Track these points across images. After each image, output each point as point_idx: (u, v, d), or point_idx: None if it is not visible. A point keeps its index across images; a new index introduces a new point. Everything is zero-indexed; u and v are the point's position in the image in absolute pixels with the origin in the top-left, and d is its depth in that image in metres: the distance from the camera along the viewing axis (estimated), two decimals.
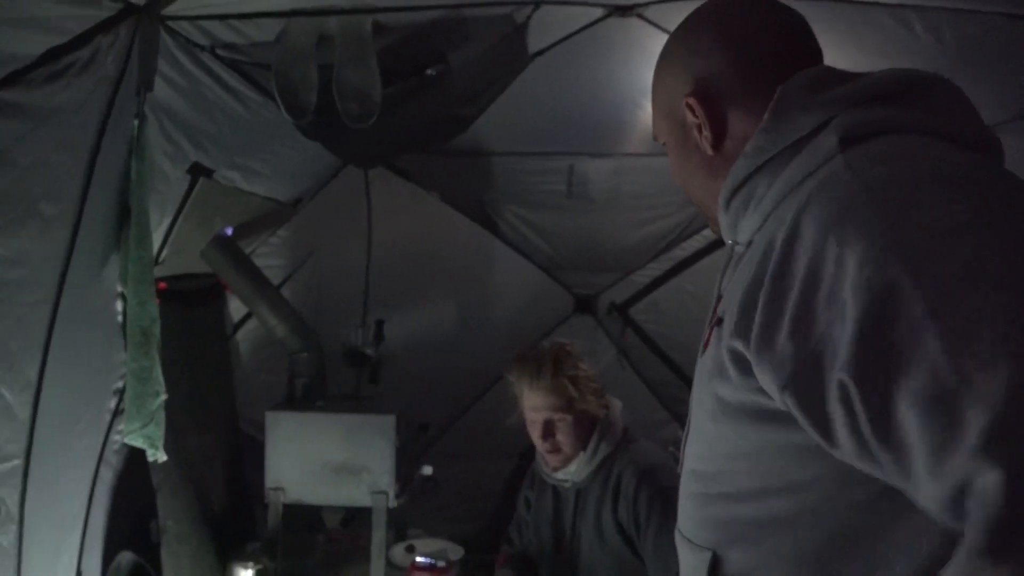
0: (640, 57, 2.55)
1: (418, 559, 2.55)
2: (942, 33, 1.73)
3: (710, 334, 0.95)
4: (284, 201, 2.75)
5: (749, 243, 0.94)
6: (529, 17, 2.18)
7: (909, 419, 0.68)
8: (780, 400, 0.79)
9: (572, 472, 2.10)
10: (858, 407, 0.71)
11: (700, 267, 3.43)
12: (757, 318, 0.79)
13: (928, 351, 0.67)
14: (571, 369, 2.05)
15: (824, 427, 0.74)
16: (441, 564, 2.53)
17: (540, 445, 2.11)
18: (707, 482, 0.97)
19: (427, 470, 2.68)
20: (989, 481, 0.64)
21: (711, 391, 0.91)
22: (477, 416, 3.55)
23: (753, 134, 0.91)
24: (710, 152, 0.99)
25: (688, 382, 3.32)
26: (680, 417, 3.54)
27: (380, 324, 3.02)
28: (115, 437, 2.04)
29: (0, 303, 1.39)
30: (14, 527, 1.53)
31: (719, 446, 0.94)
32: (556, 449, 2.09)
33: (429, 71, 2.08)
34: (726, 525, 0.94)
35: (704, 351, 0.97)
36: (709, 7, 1.03)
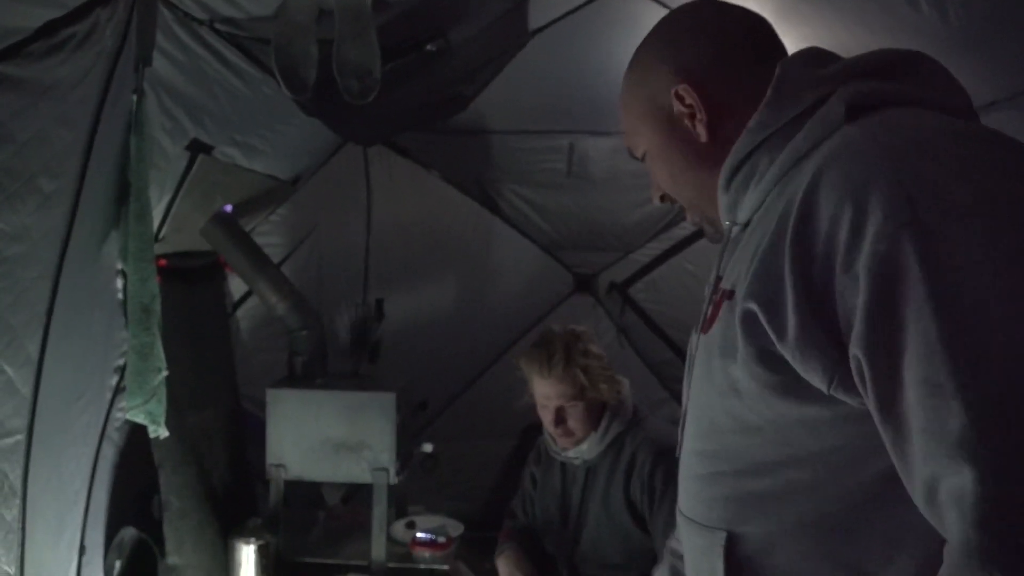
0: (641, 34, 2.53)
1: (419, 535, 2.58)
2: (946, 10, 1.72)
3: (716, 310, 0.94)
4: (283, 179, 2.74)
5: (747, 224, 0.95)
6: None
7: (908, 401, 0.69)
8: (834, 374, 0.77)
9: (583, 451, 2.14)
10: (868, 383, 0.73)
11: (699, 246, 3.42)
12: (786, 288, 0.78)
13: (929, 338, 0.68)
14: (582, 358, 2.07)
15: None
16: (441, 540, 2.55)
17: (552, 429, 2.14)
18: (714, 460, 0.96)
19: (427, 447, 2.70)
20: (959, 481, 0.65)
21: (721, 367, 0.90)
22: (477, 394, 3.57)
23: (748, 114, 0.92)
24: (704, 139, 0.98)
25: None
26: (679, 396, 3.53)
27: (380, 303, 3.02)
28: (117, 414, 2.05)
29: (0, 279, 1.39)
30: (17, 502, 1.54)
31: (728, 422, 0.92)
32: (567, 433, 2.12)
33: (429, 47, 2.06)
34: (739, 501, 0.92)
35: (707, 328, 0.95)
36: (676, 13, 1.06)
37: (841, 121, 0.83)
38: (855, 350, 0.73)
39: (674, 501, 1.93)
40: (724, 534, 0.93)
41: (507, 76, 2.43)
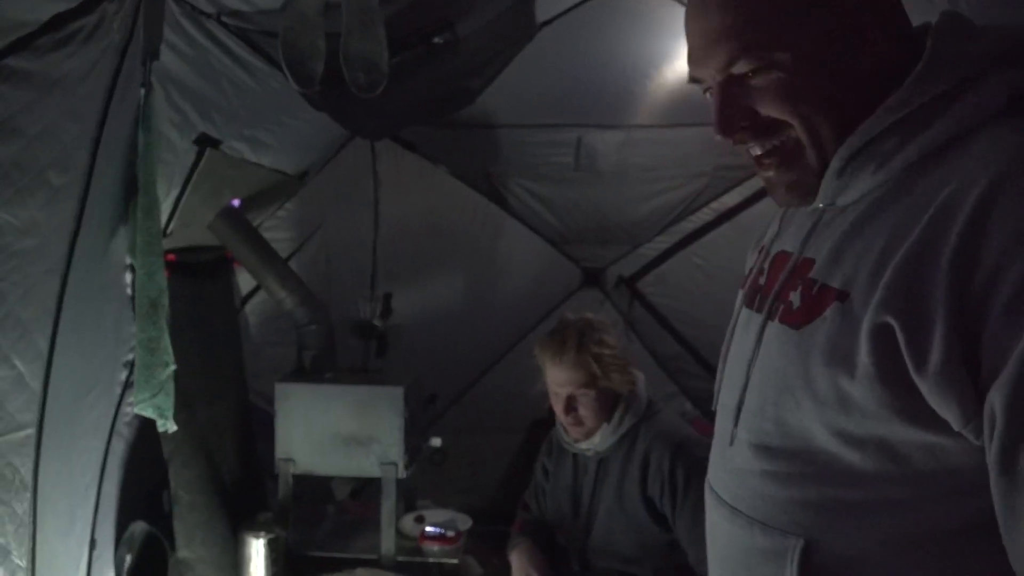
0: (648, 27, 2.53)
1: (427, 529, 2.58)
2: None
3: (814, 305, 0.83)
4: (291, 173, 2.74)
5: (838, 205, 0.85)
6: None
7: None
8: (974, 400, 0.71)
9: (595, 442, 2.12)
10: (998, 431, 0.70)
11: (708, 240, 3.42)
12: (937, 313, 0.70)
13: None
14: (595, 346, 2.05)
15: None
16: (450, 534, 2.56)
17: (563, 418, 2.12)
18: (792, 461, 0.86)
19: (436, 441, 2.70)
20: None
21: (828, 377, 0.80)
22: (485, 389, 3.57)
23: (884, 75, 0.81)
24: (866, 69, 0.82)
25: (695, 355, 3.30)
26: (688, 390, 3.55)
27: (388, 297, 3.02)
28: (126, 409, 2.06)
29: (11, 272, 1.39)
30: (28, 495, 1.55)
31: (822, 431, 0.82)
32: (578, 422, 2.10)
33: (436, 40, 2.05)
34: (823, 509, 0.84)
35: (798, 321, 0.84)
36: None
37: (999, 111, 0.76)
38: (995, 395, 0.69)
39: (696, 500, 1.91)
40: (801, 541, 0.84)
41: (515, 69, 2.42)
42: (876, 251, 0.77)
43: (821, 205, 0.88)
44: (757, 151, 0.88)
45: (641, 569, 2.07)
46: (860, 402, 0.78)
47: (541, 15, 2.34)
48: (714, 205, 3.37)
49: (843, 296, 0.79)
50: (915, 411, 0.75)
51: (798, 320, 0.84)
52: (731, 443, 0.94)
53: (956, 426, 0.73)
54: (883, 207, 0.80)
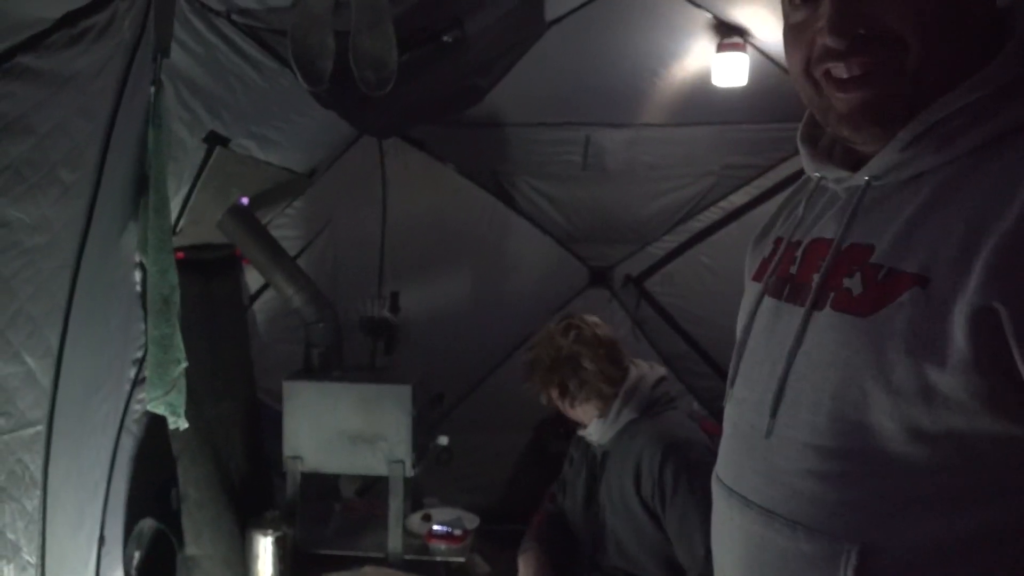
0: (657, 25, 2.52)
1: (435, 527, 2.58)
2: None
3: (883, 292, 0.79)
4: (299, 171, 2.75)
5: (887, 183, 0.83)
6: None
7: None
8: None
9: (593, 434, 2.12)
10: None
11: (716, 239, 3.41)
12: None
13: None
14: (569, 374, 2.05)
15: None
16: (457, 532, 2.56)
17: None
18: (846, 460, 0.81)
19: (443, 440, 2.70)
20: None
21: (910, 366, 0.76)
22: (492, 387, 3.57)
23: (967, 48, 0.79)
24: (974, 26, 0.79)
25: (703, 355, 3.28)
26: (695, 390, 3.54)
27: (395, 295, 3.02)
28: (135, 406, 2.06)
29: (22, 269, 1.40)
30: (38, 492, 1.55)
31: (891, 425, 0.78)
32: (578, 420, 2.13)
33: (445, 38, 2.05)
34: (881, 509, 0.79)
35: (861, 310, 0.80)
36: None
37: None
38: None
39: (685, 501, 1.89)
40: (856, 546, 0.79)
41: (523, 68, 2.41)
42: (959, 234, 0.74)
43: (867, 178, 0.84)
44: (849, 72, 0.82)
45: (646, 570, 2.05)
46: (948, 392, 0.74)
47: (550, 13, 2.33)
48: (722, 204, 3.36)
49: (922, 281, 0.75)
50: (1009, 402, 0.73)
51: (865, 308, 0.80)
52: (766, 437, 0.88)
53: None
54: (955, 188, 0.77)
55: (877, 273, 0.80)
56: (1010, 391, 0.72)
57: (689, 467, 1.92)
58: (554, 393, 2.09)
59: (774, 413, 0.88)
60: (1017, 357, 0.71)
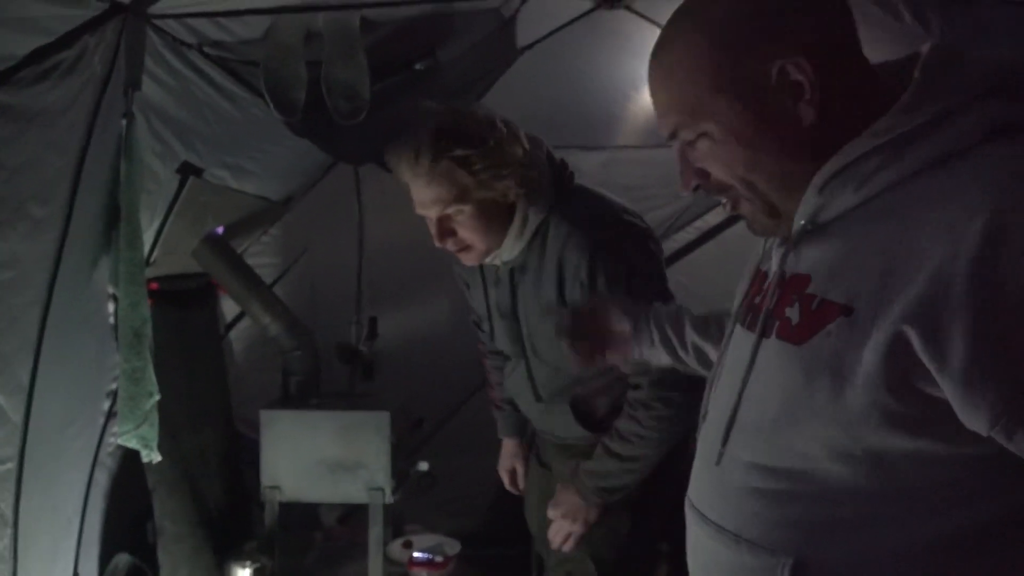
0: (629, 49, 2.55)
1: (416, 554, 2.56)
2: (928, 21, 1.74)
3: (813, 321, 0.84)
4: (275, 199, 2.74)
5: (819, 222, 0.88)
6: (517, 11, 2.18)
7: None
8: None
9: (502, 255, 1.71)
10: None
11: (691, 259, 3.43)
12: (960, 317, 0.73)
13: None
14: (462, 148, 1.55)
15: None
16: (439, 559, 2.54)
17: (440, 245, 1.71)
18: (785, 479, 0.88)
19: (423, 466, 2.68)
20: None
21: (829, 389, 0.82)
22: (473, 411, 3.55)
23: (858, 106, 0.85)
24: (807, 122, 0.85)
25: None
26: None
27: (373, 321, 3.02)
28: (109, 439, 2.04)
29: None
30: (9, 531, 1.53)
31: (816, 446, 0.84)
32: (463, 247, 1.68)
33: (418, 66, 2.07)
34: (813, 526, 0.86)
35: (797, 338, 0.86)
36: None
37: (978, 142, 0.79)
38: None
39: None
40: (790, 560, 0.85)
41: (497, 93, 2.44)
42: (878, 266, 0.80)
43: (802, 222, 0.89)
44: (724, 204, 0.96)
45: (590, 388, 1.77)
46: (861, 413, 0.80)
47: (522, 40, 2.36)
48: (697, 224, 3.39)
49: (847, 311, 0.81)
50: (915, 418, 0.78)
51: (800, 337, 0.85)
52: (718, 462, 0.95)
53: (984, 429, 0.75)
54: (874, 223, 0.83)
55: (811, 302, 0.86)
56: (923, 408, 0.78)
57: (622, 262, 1.62)
58: (458, 178, 1.59)
59: (727, 433, 0.94)
60: (932, 370, 0.76)
